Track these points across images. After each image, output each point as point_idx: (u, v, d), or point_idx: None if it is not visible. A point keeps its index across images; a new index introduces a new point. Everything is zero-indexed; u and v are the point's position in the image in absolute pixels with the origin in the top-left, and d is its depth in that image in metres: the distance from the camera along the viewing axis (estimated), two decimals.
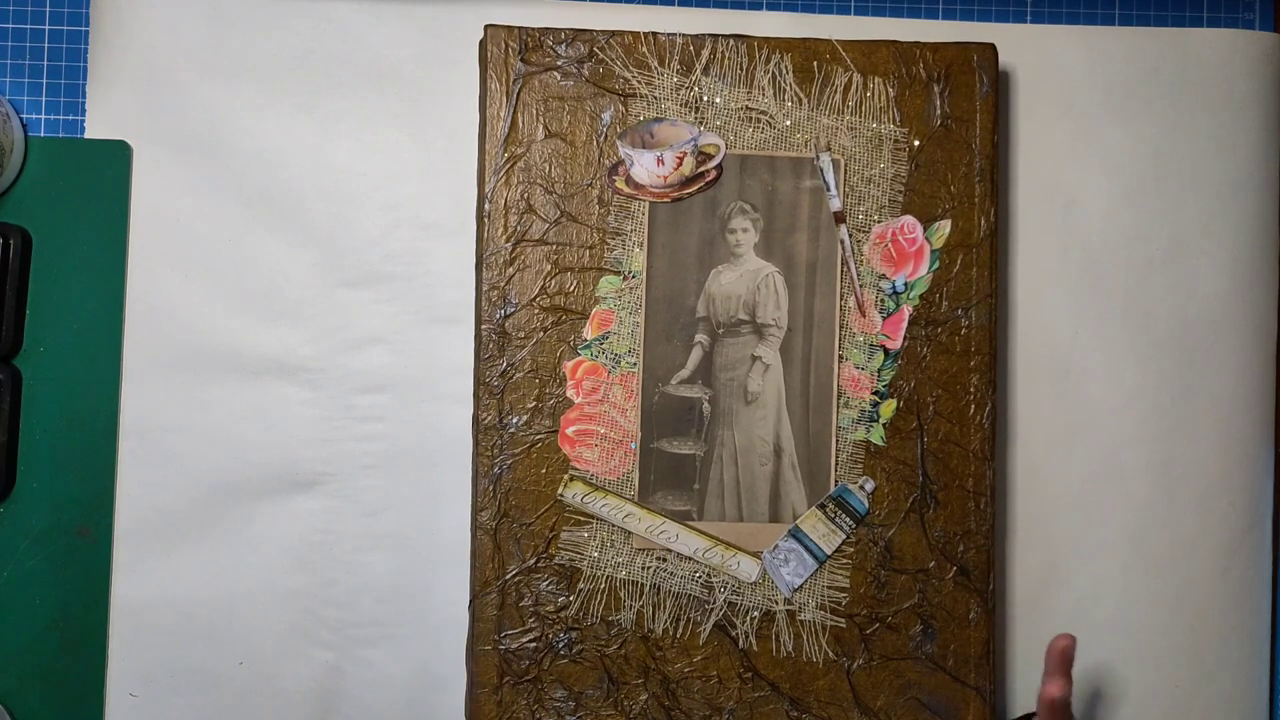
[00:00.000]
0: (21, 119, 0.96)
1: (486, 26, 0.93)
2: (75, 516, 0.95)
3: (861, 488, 0.93)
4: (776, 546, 0.93)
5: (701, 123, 0.93)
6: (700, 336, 0.93)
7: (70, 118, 0.96)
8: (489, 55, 0.92)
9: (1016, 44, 0.99)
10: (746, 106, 0.93)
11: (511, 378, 0.92)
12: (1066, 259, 0.99)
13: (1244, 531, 1.00)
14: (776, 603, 0.93)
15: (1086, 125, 1.00)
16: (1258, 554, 1.00)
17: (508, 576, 0.92)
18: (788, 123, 0.93)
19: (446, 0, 0.97)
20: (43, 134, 0.96)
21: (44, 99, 0.96)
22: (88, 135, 0.96)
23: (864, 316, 0.93)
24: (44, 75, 0.96)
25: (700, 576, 0.92)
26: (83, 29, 0.96)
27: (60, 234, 0.95)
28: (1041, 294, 0.99)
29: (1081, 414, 0.99)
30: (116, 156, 0.95)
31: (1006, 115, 0.99)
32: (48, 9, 0.96)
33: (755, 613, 0.93)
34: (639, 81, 0.93)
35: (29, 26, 0.96)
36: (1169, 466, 0.99)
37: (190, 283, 0.96)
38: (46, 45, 0.96)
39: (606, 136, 0.93)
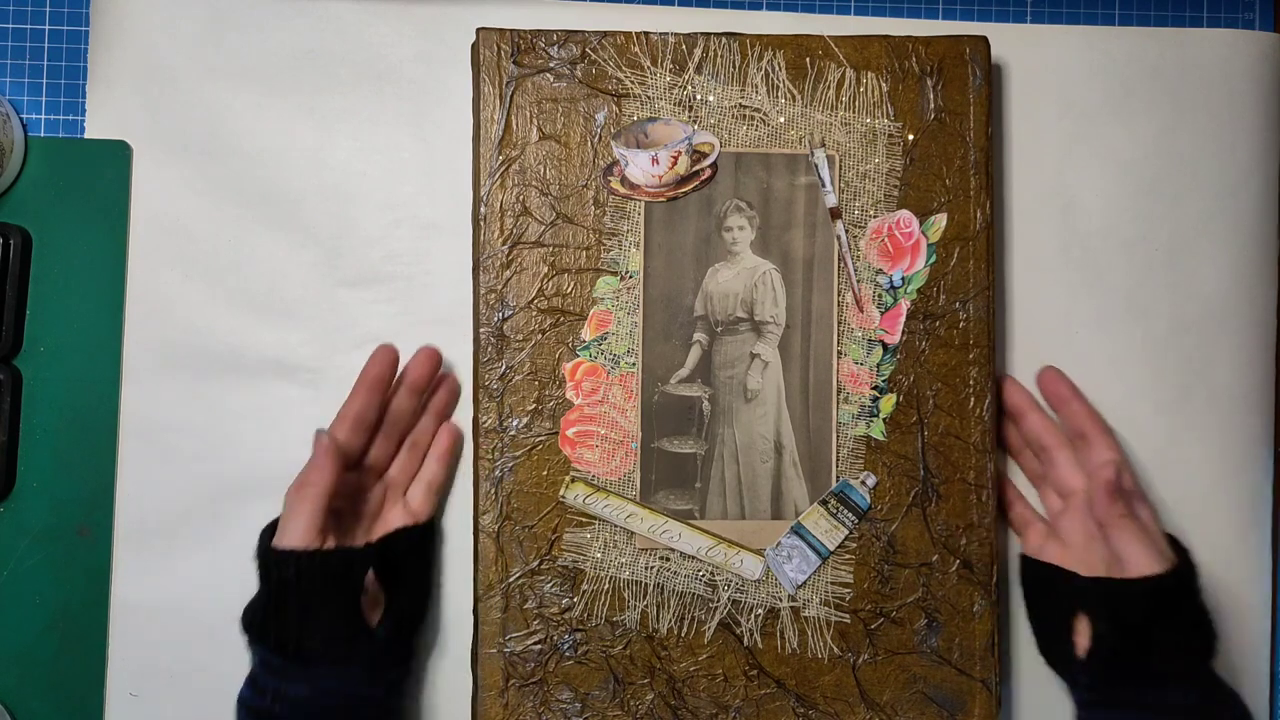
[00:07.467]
0: (21, 119, 0.96)
1: (478, 30, 0.93)
2: (75, 516, 0.95)
3: (863, 483, 0.93)
4: (779, 543, 0.92)
5: (695, 121, 0.93)
6: (699, 335, 0.93)
7: (70, 118, 0.97)
8: (481, 58, 0.93)
9: (1016, 43, 1.00)
10: (740, 104, 0.93)
11: (511, 380, 0.92)
12: (1067, 259, 0.99)
13: (1244, 531, 0.99)
14: (781, 600, 0.92)
15: (1086, 125, 1.00)
16: (1258, 554, 1.00)
17: (511, 579, 0.91)
18: (781, 119, 0.93)
19: (446, 1, 0.98)
20: (43, 134, 0.97)
21: (44, 99, 0.97)
22: (88, 135, 0.96)
23: (862, 312, 0.93)
24: (44, 75, 0.97)
25: (704, 575, 0.92)
26: (83, 29, 0.97)
27: (60, 234, 0.96)
28: (1041, 294, 0.99)
29: None
30: (116, 156, 0.96)
31: (1001, 110, 0.99)
32: (48, 9, 0.97)
33: (760, 610, 0.92)
34: (632, 81, 0.93)
35: (29, 26, 0.97)
36: (1169, 466, 0.99)
37: (190, 283, 0.96)
38: (46, 45, 0.97)
39: (601, 137, 0.93)
